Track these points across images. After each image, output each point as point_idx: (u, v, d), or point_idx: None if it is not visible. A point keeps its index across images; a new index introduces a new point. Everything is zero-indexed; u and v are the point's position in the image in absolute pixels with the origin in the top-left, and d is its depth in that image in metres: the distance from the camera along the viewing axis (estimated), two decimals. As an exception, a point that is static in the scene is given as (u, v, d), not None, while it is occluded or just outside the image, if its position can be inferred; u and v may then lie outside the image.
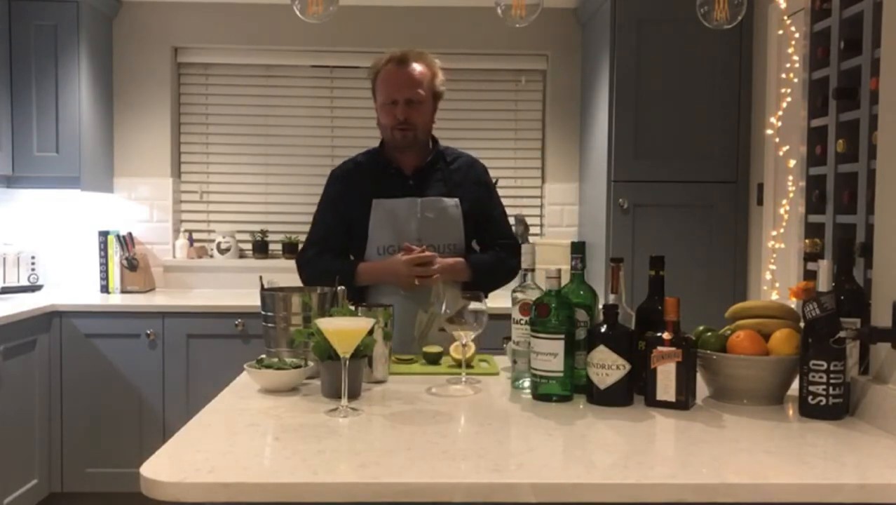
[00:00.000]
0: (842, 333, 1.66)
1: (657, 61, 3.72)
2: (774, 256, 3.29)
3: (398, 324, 2.29)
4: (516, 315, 1.95)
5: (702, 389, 1.83)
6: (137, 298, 4.05)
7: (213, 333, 3.76)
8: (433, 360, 2.19)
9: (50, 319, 3.70)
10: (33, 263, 4.18)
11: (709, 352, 1.80)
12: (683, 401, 1.73)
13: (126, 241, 4.25)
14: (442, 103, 2.62)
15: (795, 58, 3.12)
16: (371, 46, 4.12)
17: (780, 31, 3.31)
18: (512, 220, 3.60)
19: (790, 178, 3.14)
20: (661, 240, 3.67)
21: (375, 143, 2.64)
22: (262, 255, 4.43)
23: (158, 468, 1.34)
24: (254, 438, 1.54)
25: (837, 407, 1.67)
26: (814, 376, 1.67)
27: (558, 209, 4.48)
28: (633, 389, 1.78)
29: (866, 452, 1.48)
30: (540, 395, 1.82)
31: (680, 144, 3.73)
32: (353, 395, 1.78)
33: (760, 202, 3.58)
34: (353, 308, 2.03)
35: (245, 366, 1.94)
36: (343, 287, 2.10)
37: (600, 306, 1.87)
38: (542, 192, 4.54)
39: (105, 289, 4.21)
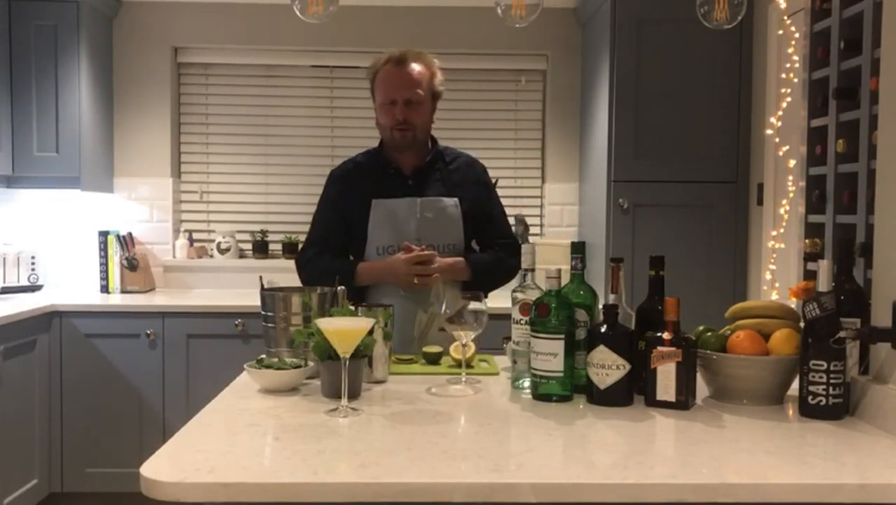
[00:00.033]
0: (842, 333, 1.66)
1: (657, 61, 3.72)
2: (774, 255, 3.29)
3: (398, 324, 2.29)
4: (516, 315, 1.94)
5: (702, 389, 1.83)
6: (137, 297, 4.05)
7: (213, 333, 3.76)
8: (433, 360, 2.19)
9: (50, 319, 3.70)
10: (33, 263, 4.18)
11: (709, 352, 1.80)
12: (683, 401, 1.73)
13: (126, 241, 4.25)
14: (442, 103, 2.62)
15: (795, 58, 3.12)
16: (371, 46, 4.12)
17: (780, 31, 3.31)
18: (512, 221, 3.61)
19: (790, 178, 3.14)
20: (661, 240, 3.67)
21: (375, 143, 2.64)
22: (262, 255, 4.44)
23: (158, 468, 1.34)
24: (254, 438, 1.54)
25: (837, 407, 1.67)
26: (814, 376, 1.67)
27: (558, 209, 4.48)
28: (633, 389, 1.78)
29: (866, 452, 1.48)
30: (540, 395, 1.82)
31: (680, 144, 3.73)
32: (353, 395, 1.78)
33: (760, 202, 3.58)
34: (353, 308, 2.03)
35: (245, 366, 1.94)
36: (343, 287, 2.10)
37: (600, 306, 1.87)
38: (542, 192, 4.54)
39: (105, 289, 4.21)
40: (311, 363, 1.95)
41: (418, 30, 4.34)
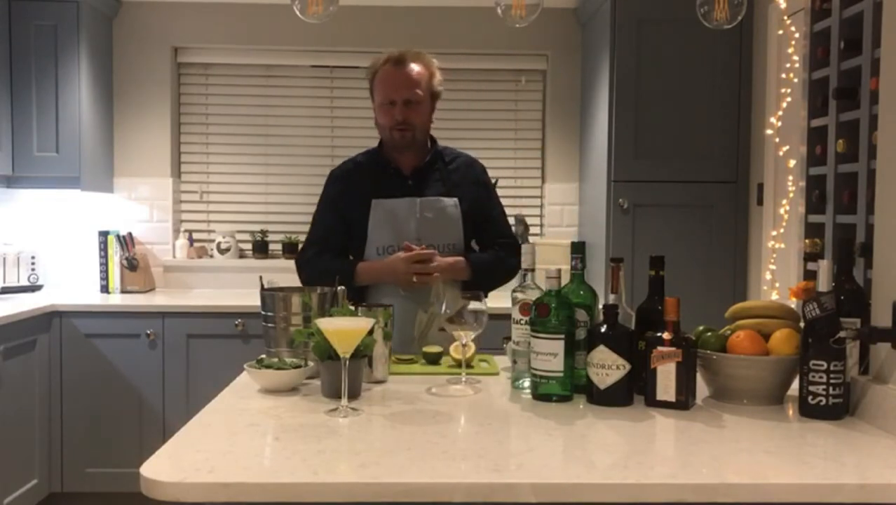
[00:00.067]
0: (842, 333, 1.66)
1: (657, 61, 3.72)
2: (774, 255, 3.29)
3: (398, 324, 2.29)
4: (516, 315, 1.94)
5: (702, 389, 1.83)
6: (137, 297, 4.05)
7: (213, 333, 3.76)
8: (433, 360, 2.19)
9: (50, 319, 3.70)
10: (33, 263, 4.18)
11: (709, 352, 1.80)
12: (683, 401, 1.73)
13: (126, 241, 4.25)
14: (441, 103, 2.62)
15: (795, 58, 3.12)
16: (371, 46, 4.12)
17: (780, 31, 3.31)
18: (512, 220, 3.61)
19: (790, 178, 3.14)
20: (661, 240, 3.67)
21: (375, 143, 2.64)
22: (262, 255, 4.44)
23: (158, 468, 1.34)
24: (254, 438, 1.54)
25: (837, 407, 1.67)
26: (814, 376, 1.67)
27: (558, 209, 4.48)
28: (633, 389, 1.78)
29: (866, 452, 1.48)
30: (540, 395, 1.82)
31: (680, 144, 3.73)
32: (353, 395, 1.78)
33: (760, 202, 3.58)
34: (353, 308, 2.03)
35: (245, 366, 1.94)
36: (343, 287, 2.10)
37: (600, 306, 1.87)
38: (542, 192, 4.54)
39: (105, 289, 4.21)
40: (311, 363, 1.95)
41: (418, 30, 4.34)
